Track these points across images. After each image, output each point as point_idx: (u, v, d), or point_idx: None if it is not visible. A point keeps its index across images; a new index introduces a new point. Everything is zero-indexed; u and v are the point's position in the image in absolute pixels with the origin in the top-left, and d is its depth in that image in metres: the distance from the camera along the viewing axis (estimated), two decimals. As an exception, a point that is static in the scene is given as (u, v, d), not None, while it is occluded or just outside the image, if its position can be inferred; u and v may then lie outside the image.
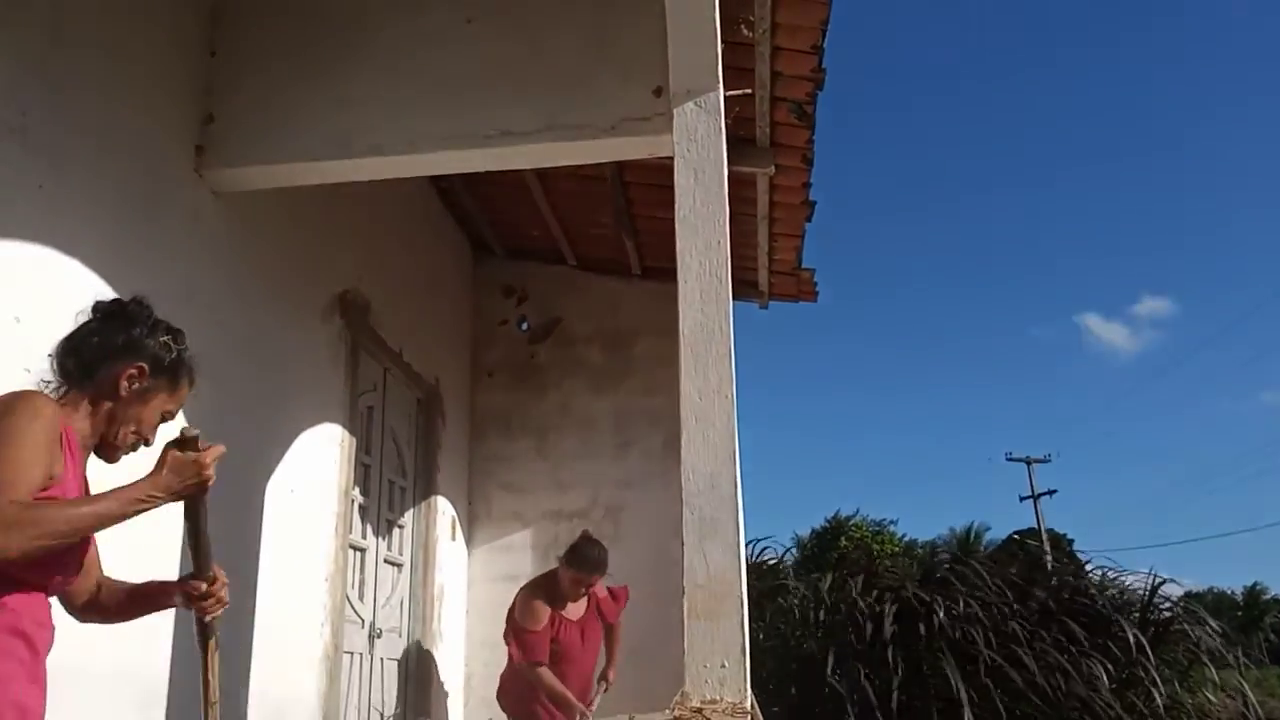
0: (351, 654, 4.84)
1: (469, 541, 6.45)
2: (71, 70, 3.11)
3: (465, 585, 6.35)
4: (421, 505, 5.83)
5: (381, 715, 5.12)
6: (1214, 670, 6.62)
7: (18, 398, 1.89)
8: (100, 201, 3.19)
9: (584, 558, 4.68)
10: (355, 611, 4.92)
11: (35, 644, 1.85)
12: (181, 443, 1.93)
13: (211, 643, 2.16)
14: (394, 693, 5.29)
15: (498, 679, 4.96)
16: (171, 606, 2.25)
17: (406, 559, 5.66)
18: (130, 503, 1.84)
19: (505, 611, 4.83)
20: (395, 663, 5.36)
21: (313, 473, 4.42)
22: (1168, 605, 6.85)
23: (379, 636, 5.15)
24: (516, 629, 4.68)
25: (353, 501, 4.86)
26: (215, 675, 2.20)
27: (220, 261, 3.80)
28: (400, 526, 5.63)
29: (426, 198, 6.14)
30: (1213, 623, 6.88)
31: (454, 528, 6.22)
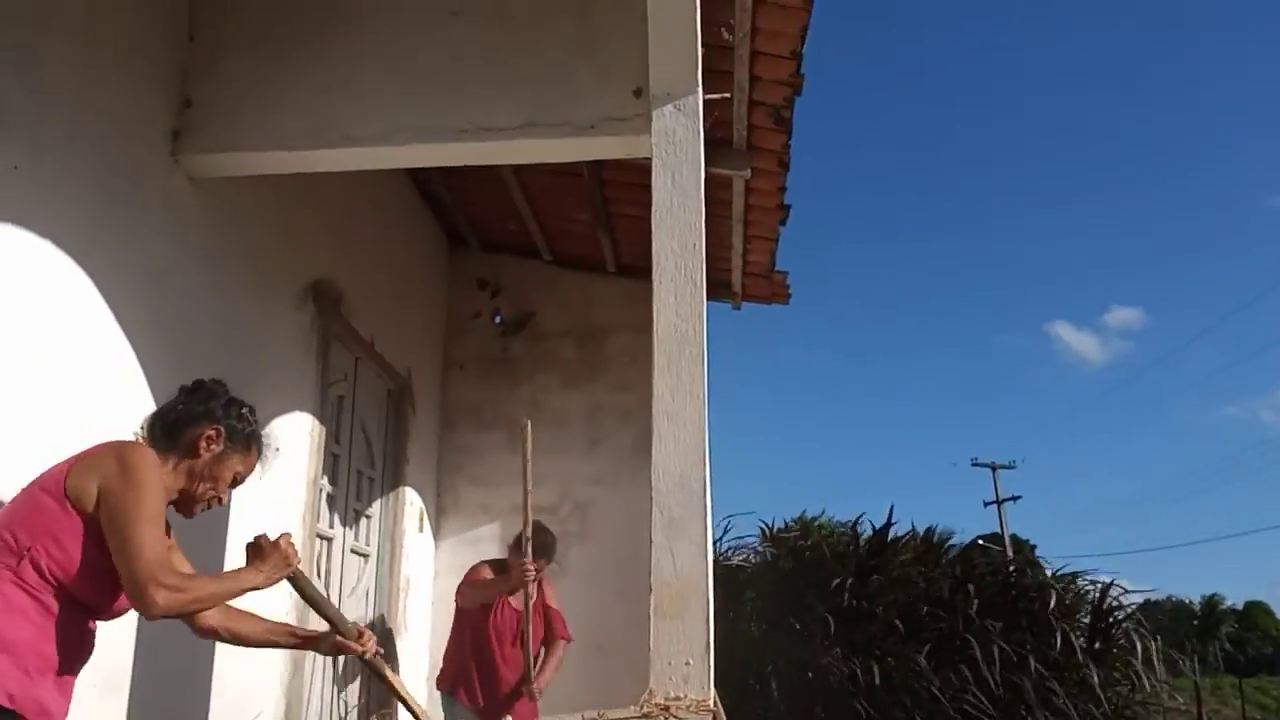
0: (316, 644, 4.82)
1: (436, 533, 6.45)
2: (48, 53, 3.08)
3: (432, 577, 6.35)
4: (390, 496, 5.82)
5: (346, 705, 5.12)
6: (1160, 674, 6.74)
7: (133, 450, 2.23)
8: (75, 185, 3.17)
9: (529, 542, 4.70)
10: (320, 601, 4.91)
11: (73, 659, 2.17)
12: (255, 545, 2.47)
13: (387, 673, 2.87)
14: (358, 683, 5.28)
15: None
16: (315, 650, 2.84)
17: (373, 550, 5.65)
18: (247, 585, 2.38)
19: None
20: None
21: (281, 461, 4.39)
22: (1120, 610, 6.96)
23: (344, 627, 5.14)
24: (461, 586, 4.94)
25: (321, 491, 4.85)
26: (406, 691, 2.98)
27: (194, 247, 3.78)
28: (368, 517, 5.63)
29: (403, 188, 6.12)
30: (1146, 628, 7.00)
31: (422, 519, 6.22)
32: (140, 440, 2.40)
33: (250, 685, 4.07)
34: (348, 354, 5.27)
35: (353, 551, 5.39)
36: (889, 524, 6.92)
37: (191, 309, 3.71)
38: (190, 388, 2.54)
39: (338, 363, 5.10)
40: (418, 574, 6.10)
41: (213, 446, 2.41)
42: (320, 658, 4.91)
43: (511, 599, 4.82)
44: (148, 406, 3.43)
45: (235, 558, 3.93)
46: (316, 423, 4.73)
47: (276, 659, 4.30)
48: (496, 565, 4.99)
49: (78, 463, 2.17)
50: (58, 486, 2.13)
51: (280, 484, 4.41)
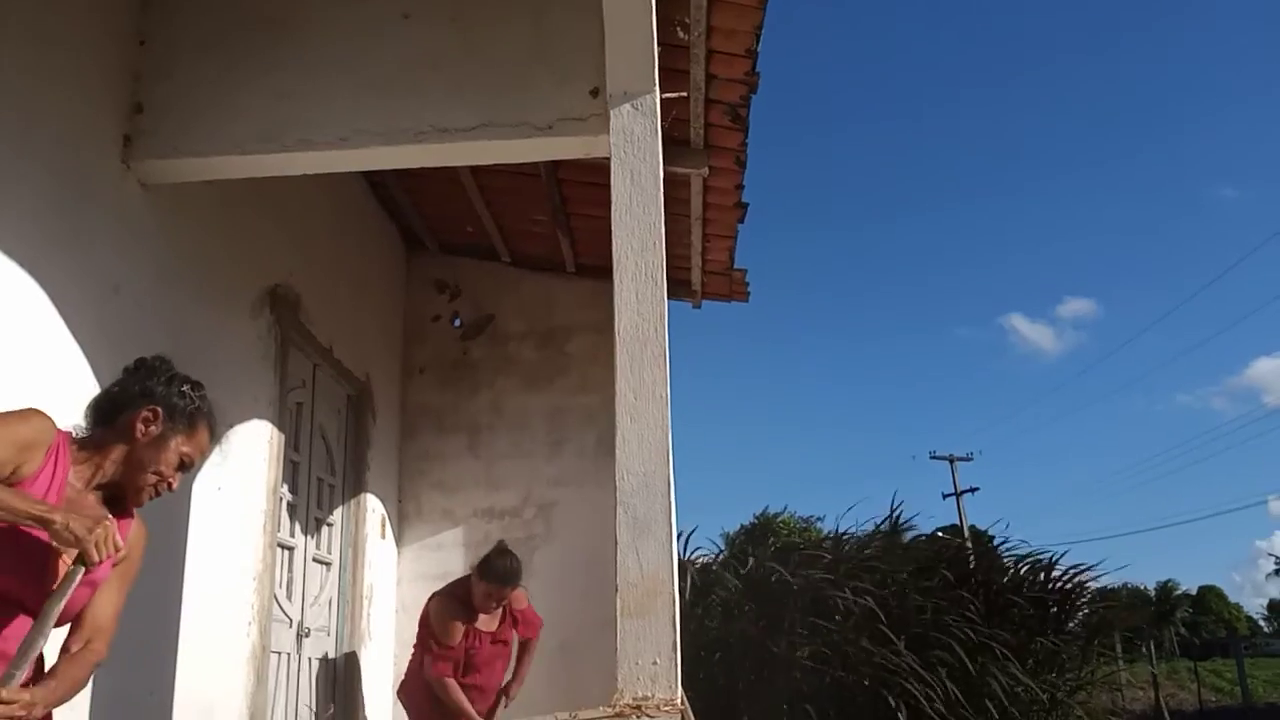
0: (279, 654, 4.77)
1: (399, 540, 6.40)
2: (-7, 56, 3.02)
3: (395, 584, 6.30)
4: (351, 503, 5.77)
5: (312, 714, 5.06)
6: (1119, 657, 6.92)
7: (25, 408, 2.12)
8: (24, 190, 3.11)
9: (494, 570, 4.67)
10: (283, 610, 4.86)
11: None
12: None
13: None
14: (322, 692, 5.23)
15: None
16: None
17: (335, 557, 5.60)
18: (26, 508, 1.93)
19: (432, 611, 4.83)
20: (324, 662, 5.30)
21: (241, 470, 4.35)
22: (1080, 591, 7.11)
23: (307, 636, 5.09)
24: (430, 639, 4.69)
25: (281, 499, 4.80)
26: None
27: (148, 254, 3.72)
28: (329, 524, 5.57)
29: (359, 191, 6.07)
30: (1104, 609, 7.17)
31: (384, 526, 6.17)
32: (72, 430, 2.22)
33: (212, 697, 4.02)
34: (306, 360, 5.22)
35: (315, 560, 5.34)
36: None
37: (145, 318, 3.65)
38: (131, 366, 2.33)
39: (296, 369, 5.04)
40: (381, 581, 6.05)
41: (150, 428, 2.20)
42: (287, 672, 4.86)
43: (479, 624, 4.75)
44: (102, 417, 3.38)
45: (194, 569, 3.88)
46: (275, 430, 4.68)
47: (240, 673, 4.25)
48: (461, 595, 4.78)
49: None
50: None
51: (240, 493, 4.36)
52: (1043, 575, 7.25)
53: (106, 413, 2.24)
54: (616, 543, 2.85)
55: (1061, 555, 7.39)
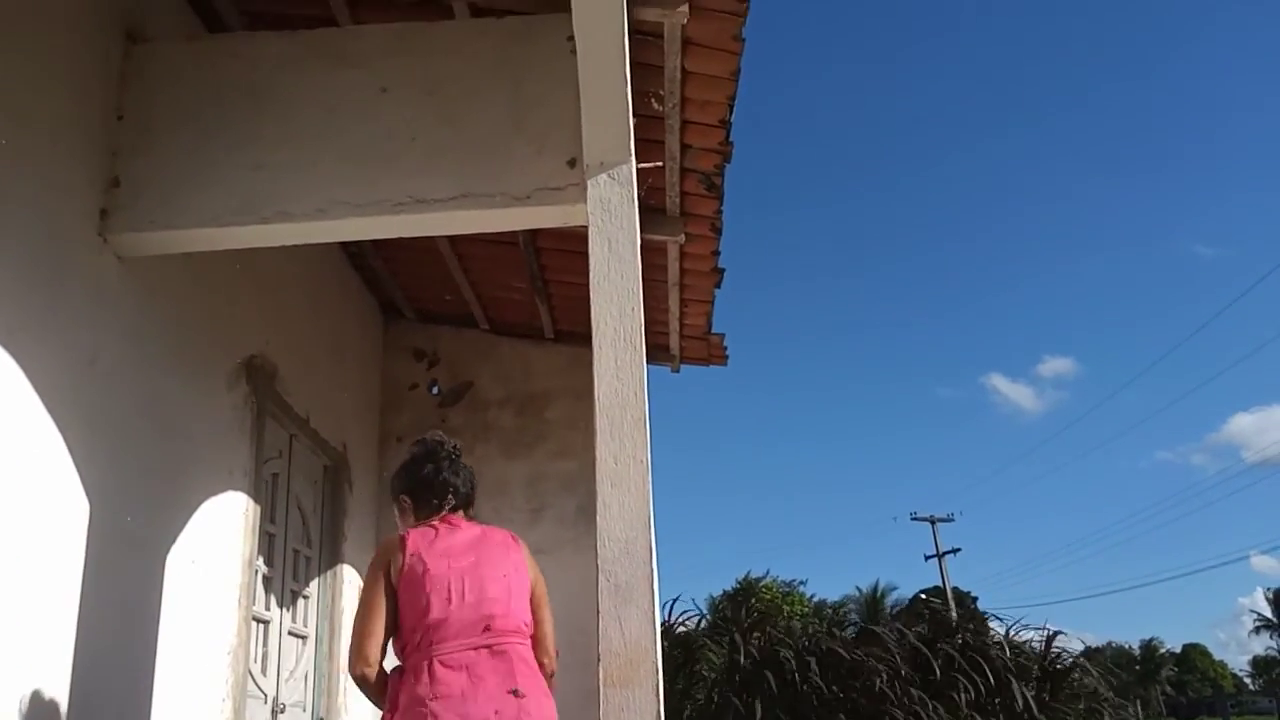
0: (253, 731, 4.67)
1: (377, 611, 6.29)
2: (-29, 133, 3.04)
3: (373, 657, 6.18)
4: (327, 575, 5.69)
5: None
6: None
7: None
8: (-1, 264, 3.10)
9: None
10: (258, 686, 4.76)
11: None
12: None
13: None
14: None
15: None
16: None
17: (311, 631, 5.50)
18: None
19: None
20: (299, 739, 5.18)
21: (215, 543, 4.29)
22: (1067, 658, 7.06)
23: (282, 711, 4.97)
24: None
25: (256, 572, 4.73)
26: None
27: (124, 326, 3.70)
28: (305, 597, 5.49)
29: (336, 261, 6.09)
30: (1095, 672, 7.11)
31: (361, 597, 6.07)
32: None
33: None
34: (282, 431, 5.18)
35: (290, 634, 5.24)
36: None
37: (121, 392, 3.63)
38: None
39: (272, 440, 5.00)
40: (358, 654, 5.93)
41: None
42: (264, 700, 4.75)
43: None
44: (79, 494, 3.34)
45: (167, 644, 3.81)
46: (251, 502, 4.63)
47: (216, 701, 4.14)
48: None
49: None
50: None
51: (214, 566, 4.29)
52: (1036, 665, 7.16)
53: None
54: (598, 611, 2.83)
55: (1055, 635, 7.31)
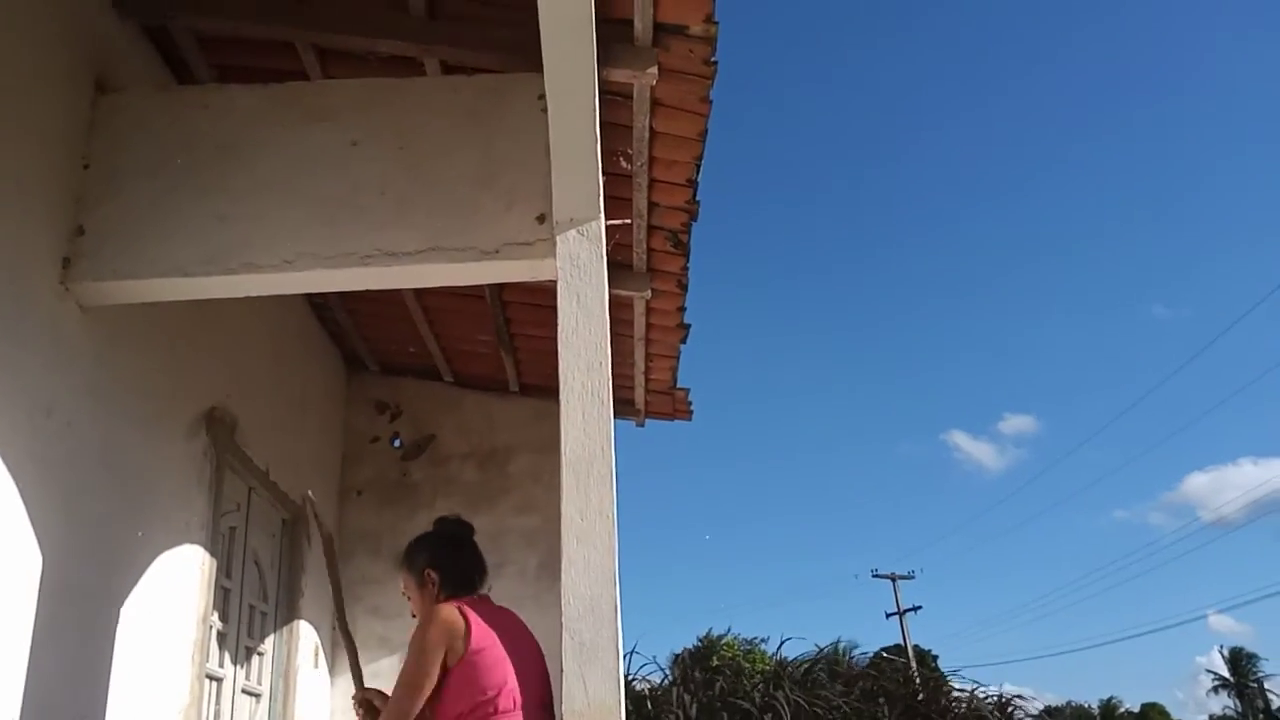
0: (203, 794, 4.53)
1: (332, 669, 6.17)
2: (-66, 179, 3.01)
3: (328, 716, 6.05)
4: (283, 630, 5.57)
5: None
6: None
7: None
8: (-44, 313, 3.05)
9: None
10: (209, 747, 4.63)
11: None
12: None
13: None
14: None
15: None
16: None
17: (265, 688, 5.38)
18: None
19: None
20: (249, 802, 5.04)
21: (170, 597, 4.20)
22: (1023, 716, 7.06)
23: (233, 774, 4.84)
24: None
25: (211, 628, 4.62)
26: None
27: (82, 376, 3.65)
28: (260, 654, 5.37)
29: (299, 312, 6.06)
30: None
31: (317, 655, 5.96)
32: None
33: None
34: (241, 483, 5.11)
35: (244, 692, 5.12)
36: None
37: (77, 441, 3.56)
38: None
39: (230, 492, 4.93)
40: (312, 714, 5.81)
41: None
42: None
43: None
44: (31, 547, 3.26)
45: (117, 702, 3.71)
46: (207, 556, 4.54)
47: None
48: None
49: None
50: None
51: (168, 621, 4.20)
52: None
53: None
54: (562, 670, 2.79)
55: (1013, 698, 7.33)
